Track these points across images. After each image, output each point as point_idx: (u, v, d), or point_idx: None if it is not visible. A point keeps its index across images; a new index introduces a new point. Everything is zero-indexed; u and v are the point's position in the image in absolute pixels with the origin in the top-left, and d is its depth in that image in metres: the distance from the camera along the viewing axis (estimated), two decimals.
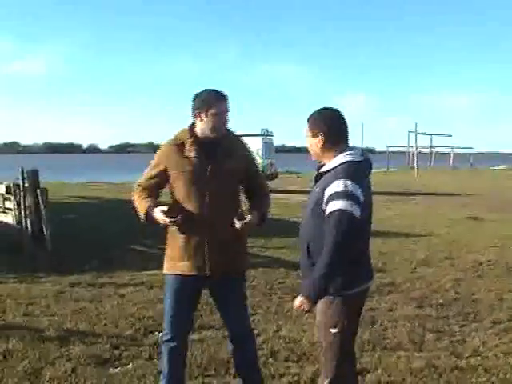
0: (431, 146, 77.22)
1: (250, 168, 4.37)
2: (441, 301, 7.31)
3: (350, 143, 3.66)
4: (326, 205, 3.37)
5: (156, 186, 4.23)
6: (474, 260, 10.00)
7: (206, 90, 4.12)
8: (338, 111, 3.67)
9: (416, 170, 49.80)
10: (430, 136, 74.28)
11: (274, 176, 29.70)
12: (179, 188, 4.08)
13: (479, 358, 5.36)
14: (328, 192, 3.37)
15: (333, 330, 3.56)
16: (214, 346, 5.50)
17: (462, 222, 15.79)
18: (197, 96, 4.13)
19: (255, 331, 5.86)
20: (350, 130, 3.69)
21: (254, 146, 28.15)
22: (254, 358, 4.43)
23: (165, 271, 4.26)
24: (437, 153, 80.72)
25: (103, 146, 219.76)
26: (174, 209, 4.05)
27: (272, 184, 29.09)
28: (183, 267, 4.11)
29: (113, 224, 14.08)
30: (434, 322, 6.41)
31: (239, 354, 4.37)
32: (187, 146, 4.07)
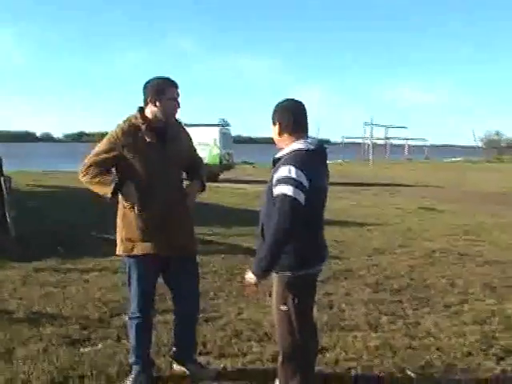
0: (386, 138, 78.23)
1: (191, 149, 4.70)
2: (395, 286, 7.62)
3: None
4: (273, 189, 3.64)
5: (109, 168, 4.36)
6: (428, 248, 10.37)
7: (158, 77, 4.35)
8: (299, 103, 3.94)
9: (371, 161, 50.47)
10: (385, 128, 75.29)
11: (230, 166, 29.91)
12: (135, 170, 4.25)
13: (432, 338, 5.65)
14: (275, 177, 3.64)
15: (282, 308, 3.84)
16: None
17: (417, 212, 16.25)
18: (149, 83, 4.34)
19: (217, 314, 6.15)
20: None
21: (212, 136, 28.27)
22: (195, 337, 4.84)
23: (121, 253, 4.43)
24: (392, 145, 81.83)
25: (57, 134, 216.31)
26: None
27: (229, 174, 29.38)
28: (145, 248, 4.31)
29: (74, 212, 14.14)
30: (389, 306, 6.70)
31: (185, 332, 4.73)
32: (142, 131, 4.25)
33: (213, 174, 25.14)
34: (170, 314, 5.96)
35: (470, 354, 5.28)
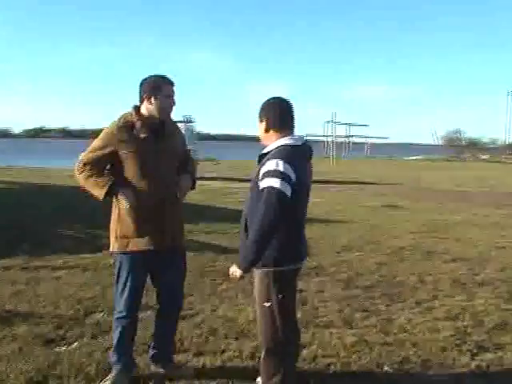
0: (347, 136, 78.77)
1: (184, 147, 4.76)
2: (366, 283, 7.69)
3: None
4: (260, 182, 3.68)
5: (104, 166, 4.35)
6: (395, 245, 10.47)
7: (154, 75, 4.36)
8: (285, 101, 3.98)
9: (332, 158, 50.77)
10: (346, 126, 75.81)
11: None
12: (130, 167, 4.25)
13: (406, 334, 5.72)
14: (262, 170, 3.68)
15: (266, 304, 3.88)
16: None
17: (381, 210, 16.41)
18: (145, 80, 4.35)
19: (192, 311, 6.13)
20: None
21: None
22: (174, 337, 4.83)
23: (116, 250, 4.38)
24: (353, 143, 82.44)
25: (16, 130, 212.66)
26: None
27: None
28: (141, 243, 4.30)
29: (38, 209, 13.94)
30: (361, 302, 6.76)
31: (166, 332, 4.71)
32: (137, 127, 4.26)
33: None
34: (148, 311, 5.91)
35: (444, 349, 5.36)
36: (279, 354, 3.95)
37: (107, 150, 4.25)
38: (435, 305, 6.78)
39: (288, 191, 3.60)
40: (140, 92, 4.35)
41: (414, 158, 71.23)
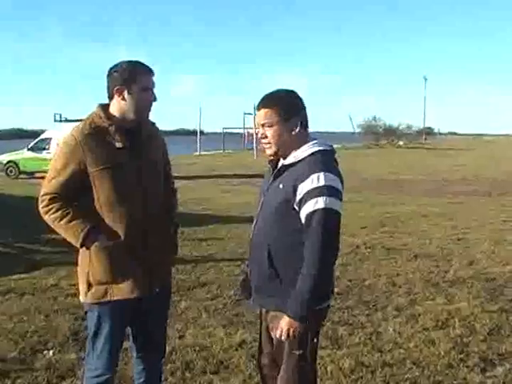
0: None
1: (167, 158, 3.74)
2: (336, 289, 7.06)
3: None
4: (304, 203, 2.88)
5: (75, 193, 3.30)
6: (350, 243, 9.86)
7: (126, 62, 3.33)
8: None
9: (255, 151, 50.12)
10: None
11: None
12: (103, 188, 3.24)
13: (402, 350, 5.14)
14: (304, 188, 2.87)
15: (297, 352, 3.06)
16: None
17: None
18: (115, 69, 3.32)
19: None
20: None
21: None
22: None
23: (89, 301, 3.37)
24: None
25: None
26: (97, 218, 3.30)
27: None
28: (124, 291, 3.33)
29: None
30: (339, 314, 6.13)
31: (150, 376, 3.75)
32: (109, 134, 3.27)
33: None
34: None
35: (450, 366, 4.81)
36: None
37: (72, 168, 3.22)
38: (418, 311, 6.25)
39: (342, 210, 2.92)
40: (108, 85, 3.32)
41: (334, 146, 71.44)
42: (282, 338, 2.96)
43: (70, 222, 3.24)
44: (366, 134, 77.66)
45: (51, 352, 5.13)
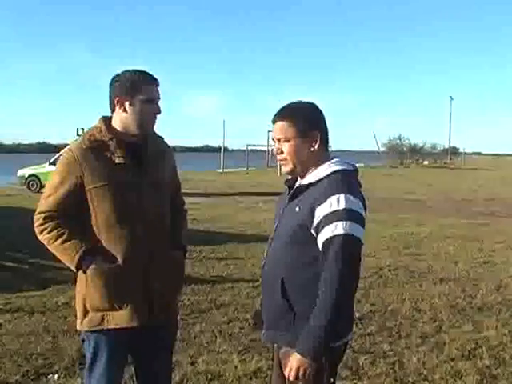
0: None
1: (176, 177, 3.49)
2: (357, 314, 6.77)
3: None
4: (321, 228, 2.58)
5: (72, 211, 3.07)
6: (373, 265, 9.54)
7: (129, 70, 3.09)
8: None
9: (278, 169, 49.80)
10: None
11: None
12: (101, 207, 3.01)
13: (426, 383, 4.84)
14: (322, 211, 2.58)
15: None
16: None
17: None
18: (117, 78, 3.09)
19: None
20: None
21: None
22: None
23: (86, 328, 3.14)
24: None
25: None
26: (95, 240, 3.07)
27: None
28: (122, 319, 3.08)
29: None
30: (360, 341, 5.83)
31: None
32: (110, 149, 3.04)
33: None
34: None
35: None
36: None
37: (70, 185, 3.02)
38: (443, 339, 5.92)
39: (363, 237, 2.61)
40: (110, 96, 3.10)
41: (358, 165, 71.07)
42: (291, 377, 2.65)
43: (65, 242, 3.02)
44: (390, 153, 77.11)
45: (55, 376, 4.89)
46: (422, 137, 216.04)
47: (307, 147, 2.76)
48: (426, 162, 73.91)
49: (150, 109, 3.08)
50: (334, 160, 2.75)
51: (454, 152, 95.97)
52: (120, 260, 3.04)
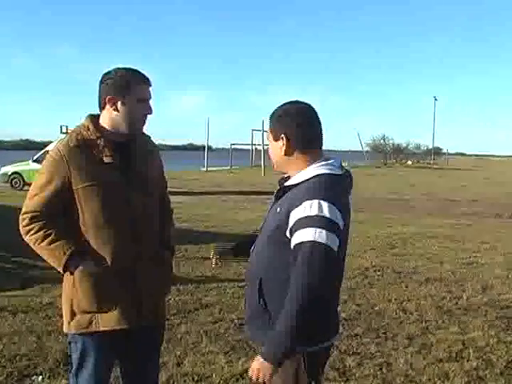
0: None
1: (163, 177, 3.46)
2: (343, 315, 6.74)
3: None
4: (293, 232, 2.53)
5: (59, 212, 3.02)
6: (359, 265, 9.53)
7: (121, 68, 3.04)
8: (308, 106, 2.79)
9: (263, 168, 49.84)
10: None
11: None
12: (89, 208, 2.97)
13: None
14: (296, 215, 2.52)
15: None
16: None
17: None
18: (109, 76, 3.03)
19: None
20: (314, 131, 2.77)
21: None
22: None
23: (73, 331, 3.09)
24: None
25: None
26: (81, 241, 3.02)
27: None
28: (110, 321, 3.04)
29: None
30: (347, 342, 5.80)
31: None
32: (98, 148, 2.99)
33: None
34: None
35: None
36: None
37: (56, 185, 2.95)
38: (430, 340, 5.91)
39: (335, 245, 2.50)
40: (100, 93, 3.05)
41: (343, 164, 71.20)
42: (252, 379, 2.60)
43: (51, 243, 2.97)
44: (374, 153, 77.28)
45: (40, 378, 4.82)
46: (406, 137, 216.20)
47: (279, 149, 2.74)
48: (409, 162, 74.29)
49: (141, 109, 3.05)
50: (322, 163, 2.67)
51: (437, 152, 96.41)
52: (108, 260, 3.00)
